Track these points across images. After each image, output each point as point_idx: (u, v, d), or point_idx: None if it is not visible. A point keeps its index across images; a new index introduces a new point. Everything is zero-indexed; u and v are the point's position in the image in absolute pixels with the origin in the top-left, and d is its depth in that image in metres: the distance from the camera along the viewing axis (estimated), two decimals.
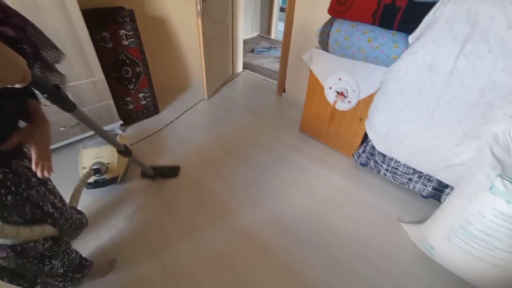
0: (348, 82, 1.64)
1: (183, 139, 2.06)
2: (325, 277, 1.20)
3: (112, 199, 1.53)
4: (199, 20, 2.12)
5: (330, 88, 1.76)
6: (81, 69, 1.66)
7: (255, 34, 4.73)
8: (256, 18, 4.54)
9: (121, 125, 2.07)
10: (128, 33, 1.90)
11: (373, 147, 1.68)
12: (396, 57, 1.35)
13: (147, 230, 1.37)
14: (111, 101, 1.91)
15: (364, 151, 1.74)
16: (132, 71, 2.03)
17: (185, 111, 2.40)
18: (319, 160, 1.91)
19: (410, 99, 1.30)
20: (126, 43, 1.92)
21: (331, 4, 1.51)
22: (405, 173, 1.58)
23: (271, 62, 3.63)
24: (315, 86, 1.87)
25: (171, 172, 1.72)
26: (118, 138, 1.63)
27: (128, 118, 2.15)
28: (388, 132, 1.45)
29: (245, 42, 4.29)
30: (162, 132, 2.13)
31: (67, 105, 0.81)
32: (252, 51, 3.98)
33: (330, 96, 1.80)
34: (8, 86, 0.55)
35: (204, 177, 1.71)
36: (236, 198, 1.57)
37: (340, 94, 1.71)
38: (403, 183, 1.62)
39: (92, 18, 1.69)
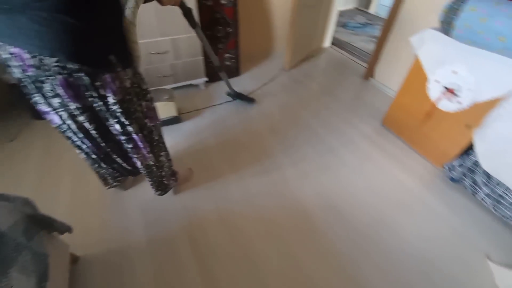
0: (465, 79, 1.33)
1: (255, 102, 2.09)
2: (375, 282, 1.12)
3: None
4: None
5: (437, 81, 1.46)
6: (182, 24, 1.78)
7: (351, 6, 4.24)
8: None
9: (206, 81, 2.20)
10: None
11: (475, 164, 1.38)
12: None
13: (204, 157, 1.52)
14: (201, 58, 2.03)
15: (461, 165, 1.45)
16: (223, 30, 2.09)
17: (264, 84, 2.39)
18: (396, 159, 1.69)
19: None
20: (224, 1, 1.95)
21: None
22: None
23: (363, 41, 3.23)
24: (416, 76, 1.58)
25: (248, 100, 2.11)
26: (166, 104, 1.74)
27: (213, 75, 2.27)
28: (506, 150, 1.15)
29: (339, 14, 3.89)
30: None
31: (193, 22, 1.36)
32: (344, 25, 3.59)
33: (434, 91, 1.50)
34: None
35: (265, 142, 1.72)
36: (295, 167, 1.56)
37: (449, 91, 1.41)
38: (507, 217, 1.31)
39: None
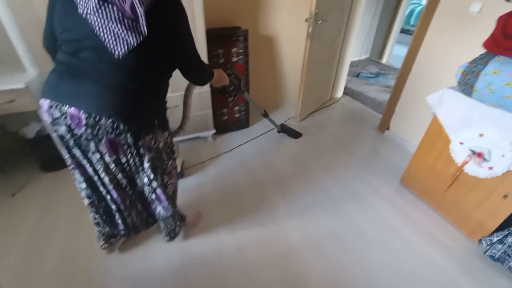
0: (496, 142, 1.18)
1: (260, 154, 2.00)
2: None
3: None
4: (308, 42, 2.04)
5: (461, 143, 1.31)
6: None
7: (363, 57, 4.34)
8: (369, 38, 4.15)
9: (214, 133, 2.20)
10: (239, 51, 2.00)
11: None
12: None
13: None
14: (210, 111, 2.05)
15: (502, 242, 1.21)
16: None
17: (271, 129, 2.35)
18: (421, 228, 1.47)
19: None
20: (235, 59, 2.03)
21: (493, 36, 1.12)
22: None
23: (377, 91, 3.20)
24: (437, 136, 1.45)
25: (294, 134, 2.27)
26: (178, 150, 1.74)
27: (221, 127, 2.27)
28: None
29: (351, 64, 3.97)
30: (245, 146, 2.14)
31: (241, 91, 1.67)
32: (358, 75, 3.63)
33: (458, 154, 1.35)
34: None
35: (270, 200, 1.58)
36: (302, 234, 1.37)
37: (477, 155, 1.25)
38: None
39: (213, 37, 1.85)
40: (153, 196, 1.04)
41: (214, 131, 2.17)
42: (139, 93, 0.79)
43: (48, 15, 0.79)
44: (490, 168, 1.22)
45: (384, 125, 2.34)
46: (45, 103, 0.78)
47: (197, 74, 1.00)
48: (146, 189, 1.02)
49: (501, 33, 1.07)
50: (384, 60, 4.20)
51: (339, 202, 1.63)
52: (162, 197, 1.05)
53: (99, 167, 0.90)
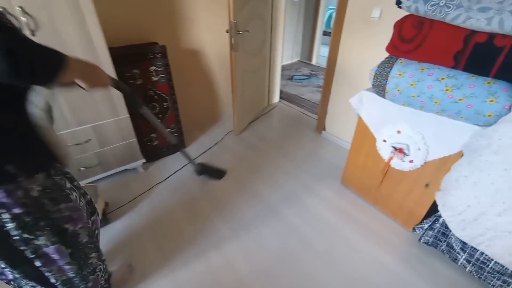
0: (411, 138, 1.26)
1: (199, 179, 1.84)
2: None
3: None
4: (233, 53, 1.96)
5: (385, 141, 1.38)
6: (106, 108, 1.57)
7: (295, 60, 4.53)
8: (297, 42, 4.35)
9: (144, 163, 1.94)
10: (159, 69, 1.81)
11: (446, 226, 1.23)
12: (493, 114, 0.95)
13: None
14: (134, 140, 1.79)
15: (432, 228, 1.30)
16: (160, 106, 1.92)
17: (209, 148, 2.21)
18: (366, 228, 1.50)
19: None
20: (155, 79, 1.82)
21: (392, 40, 1.18)
22: (498, 272, 1.10)
23: (311, 92, 3.33)
24: (364, 135, 1.50)
25: (215, 173, 1.56)
26: (96, 193, 1.45)
27: (152, 154, 2.02)
28: (477, 220, 1.01)
29: (284, 68, 4.10)
30: (182, 171, 1.94)
31: (139, 103, 0.98)
32: (291, 78, 3.74)
33: (384, 151, 1.41)
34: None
35: (211, 224, 1.44)
36: (246, 255, 1.26)
37: (398, 150, 1.32)
38: (495, 286, 1.13)
39: (123, 56, 1.62)
40: (39, 262, 0.78)
41: (143, 160, 1.92)
42: None
43: None
44: (411, 161, 1.30)
45: (320, 126, 2.41)
46: None
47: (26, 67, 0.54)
48: (30, 256, 0.76)
49: (398, 38, 1.14)
50: (314, 61, 4.45)
51: (284, 216, 1.57)
52: (55, 256, 0.79)
53: None
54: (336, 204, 1.67)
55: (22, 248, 0.73)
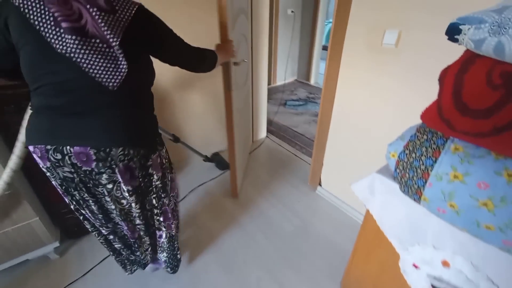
0: (471, 283, 0.65)
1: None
2: None
3: None
4: (228, 94, 1.41)
5: (417, 267, 0.78)
6: None
7: (291, 79, 3.97)
8: (293, 59, 3.79)
9: (58, 246, 1.36)
10: None
11: None
12: None
13: None
14: (35, 219, 1.22)
15: None
16: None
17: None
18: None
19: None
20: None
21: (440, 106, 0.59)
22: None
23: (307, 123, 2.75)
24: (376, 237, 0.91)
25: (222, 164, 1.96)
26: None
27: (72, 229, 1.43)
28: None
29: (277, 90, 3.54)
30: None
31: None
32: (285, 104, 3.17)
33: (415, 280, 0.81)
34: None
35: None
36: None
37: None
38: None
39: None
40: (161, 218, 1.02)
41: (55, 242, 1.34)
42: (141, 115, 0.83)
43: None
44: None
45: (314, 180, 1.81)
46: (38, 149, 0.74)
47: (203, 63, 0.97)
48: (155, 212, 1.00)
49: (453, 103, 0.55)
50: (312, 81, 3.88)
51: None
52: (170, 214, 1.03)
53: (109, 199, 0.87)
54: None
55: (155, 204, 0.97)
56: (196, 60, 0.95)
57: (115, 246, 1.05)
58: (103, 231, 0.98)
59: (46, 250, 1.32)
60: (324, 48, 3.90)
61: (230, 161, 1.57)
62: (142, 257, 1.11)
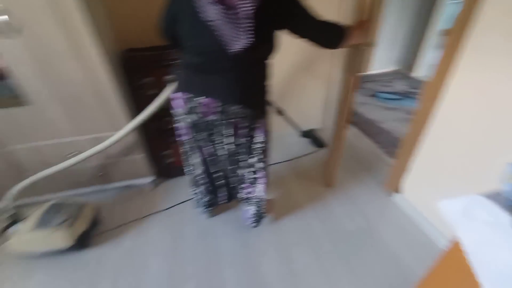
0: None
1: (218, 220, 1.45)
2: None
3: None
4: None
5: None
6: (106, 121, 1.35)
7: (388, 68, 3.46)
8: (394, 45, 3.26)
9: (154, 180, 1.69)
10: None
11: None
12: None
13: None
14: (141, 156, 1.55)
15: None
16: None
17: None
18: None
19: None
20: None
21: None
22: None
23: (397, 120, 2.40)
24: (458, 273, 0.76)
25: (318, 142, 2.01)
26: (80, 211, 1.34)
27: (164, 171, 1.76)
28: None
29: (371, 78, 3.18)
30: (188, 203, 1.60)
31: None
32: (374, 95, 2.84)
33: None
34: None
35: None
36: None
37: None
38: None
39: (132, 62, 1.35)
40: (255, 175, 1.17)
41: (152, 178, 1.67)
42: (259, 80, 0.98)
43: (169, 10, 0.90)
44: None
45: (392, 185, 1.62)
46: (182, 96, 0.95)
47: (336, 38, 0.93)
48: (249, 170, 1.16)
49: None
50: (417, 73, 3.29)
51: None
52: (263, 179, 1.18)
53: (221, 146, 1.07)
54: None
55: (253, 162, 1.13)
56: (329, 33, 0.92)
57: (205, 186, 1.26)
58: (200, 172, 1.20)
59: (143, 181, 1.67)
60: (441, 34, 3.19)
61: (336, 148, 1.58)
62: (222, 200, 1.36)
